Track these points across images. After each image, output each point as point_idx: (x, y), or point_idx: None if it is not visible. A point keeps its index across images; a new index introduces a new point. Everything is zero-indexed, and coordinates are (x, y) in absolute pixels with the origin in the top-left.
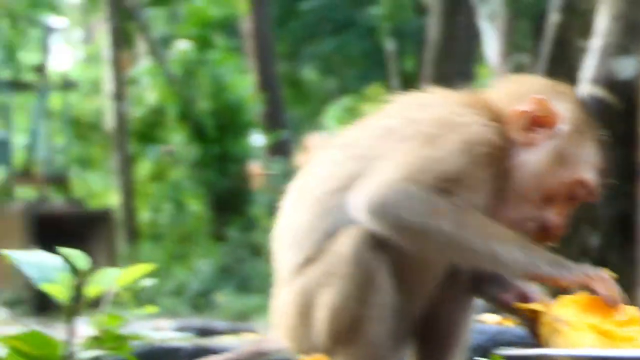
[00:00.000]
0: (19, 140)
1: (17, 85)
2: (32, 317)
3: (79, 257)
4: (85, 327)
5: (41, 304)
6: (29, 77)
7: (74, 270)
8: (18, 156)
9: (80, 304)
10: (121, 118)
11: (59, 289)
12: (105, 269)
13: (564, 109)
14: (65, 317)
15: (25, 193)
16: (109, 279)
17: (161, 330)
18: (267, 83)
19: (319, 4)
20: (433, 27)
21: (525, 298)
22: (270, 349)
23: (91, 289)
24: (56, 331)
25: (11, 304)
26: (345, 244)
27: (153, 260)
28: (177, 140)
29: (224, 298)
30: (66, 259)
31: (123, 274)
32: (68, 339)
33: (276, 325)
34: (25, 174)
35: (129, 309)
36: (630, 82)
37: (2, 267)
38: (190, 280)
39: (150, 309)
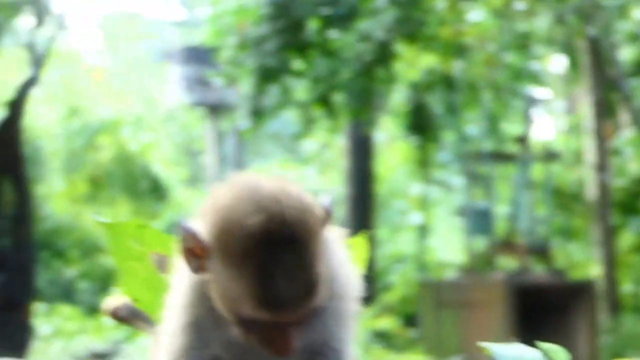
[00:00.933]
0: (501, 211)
1: (499, 156)
2: None
3: (558, 352)
4: None
5: None
6: (511, 147)
7: None
8: (500, 226)
9: None
10: (603, 188)
11: None
12: None
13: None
14: None
15: (506, 263)
16: None
17: None
18: None
19: None
20: None
21: None
22: None
23: None
24: None
25: None
26: None
27: (636, 334)
28: None
29: None
30: (546, 353)
31: None
32: None
33: None
34: (506, 244)
35: None
36: None
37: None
38: None
39: None
